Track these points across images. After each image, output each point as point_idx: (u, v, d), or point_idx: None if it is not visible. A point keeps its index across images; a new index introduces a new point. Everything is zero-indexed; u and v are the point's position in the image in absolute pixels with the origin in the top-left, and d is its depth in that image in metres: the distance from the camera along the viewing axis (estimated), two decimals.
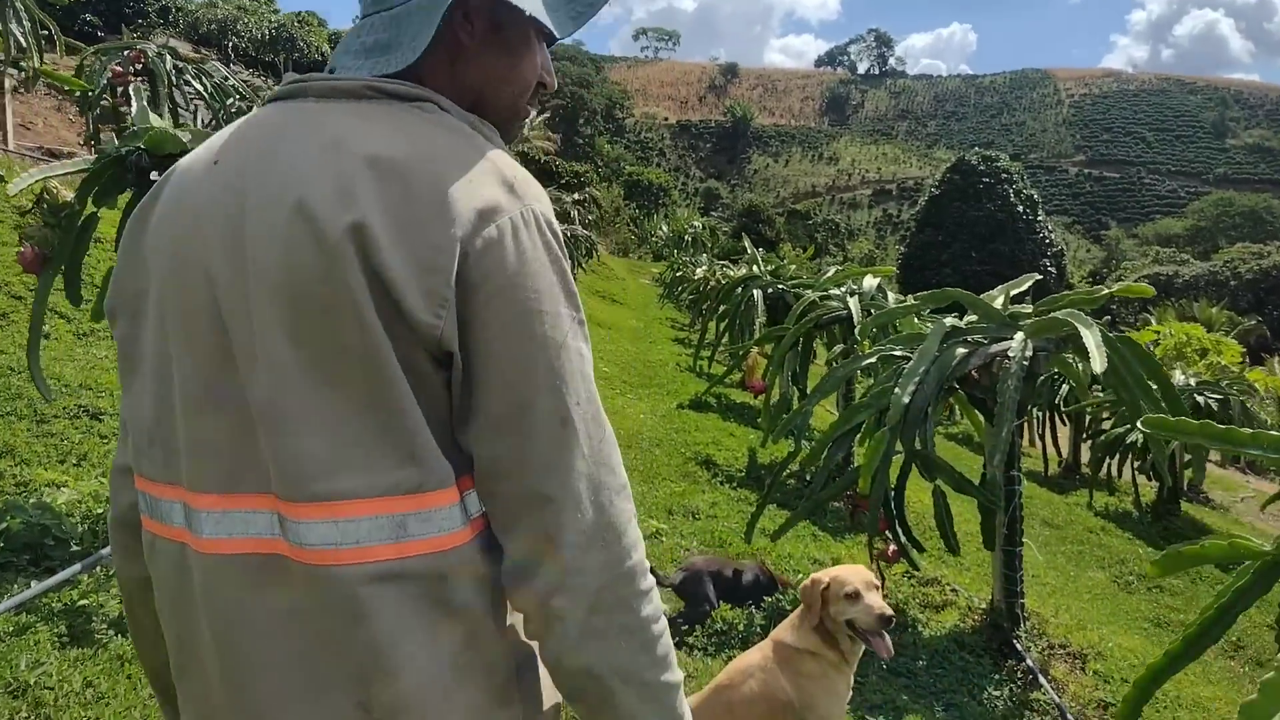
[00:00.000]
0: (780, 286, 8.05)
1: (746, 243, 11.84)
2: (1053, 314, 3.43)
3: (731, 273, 12.30)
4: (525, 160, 37.45)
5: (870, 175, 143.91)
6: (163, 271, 0.95)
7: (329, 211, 0.84)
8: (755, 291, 8.09)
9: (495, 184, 0.90)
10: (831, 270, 7.44)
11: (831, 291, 6.40)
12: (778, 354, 5.95)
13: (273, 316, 0.85)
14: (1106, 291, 3.60)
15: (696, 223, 39.74)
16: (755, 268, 8.98)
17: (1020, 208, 58.47)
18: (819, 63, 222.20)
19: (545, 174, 35.89)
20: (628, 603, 0.91)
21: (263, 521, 0.89)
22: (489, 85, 1.04)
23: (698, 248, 31.64)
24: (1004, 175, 59.72)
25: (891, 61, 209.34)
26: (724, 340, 9.24)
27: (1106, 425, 10.25)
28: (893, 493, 3.78)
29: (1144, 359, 3.39)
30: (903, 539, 3.88)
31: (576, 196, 21.93)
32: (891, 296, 6.27)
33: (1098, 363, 2.87)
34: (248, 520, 0.90)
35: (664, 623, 0.95)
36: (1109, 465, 8.91)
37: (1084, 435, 10.74)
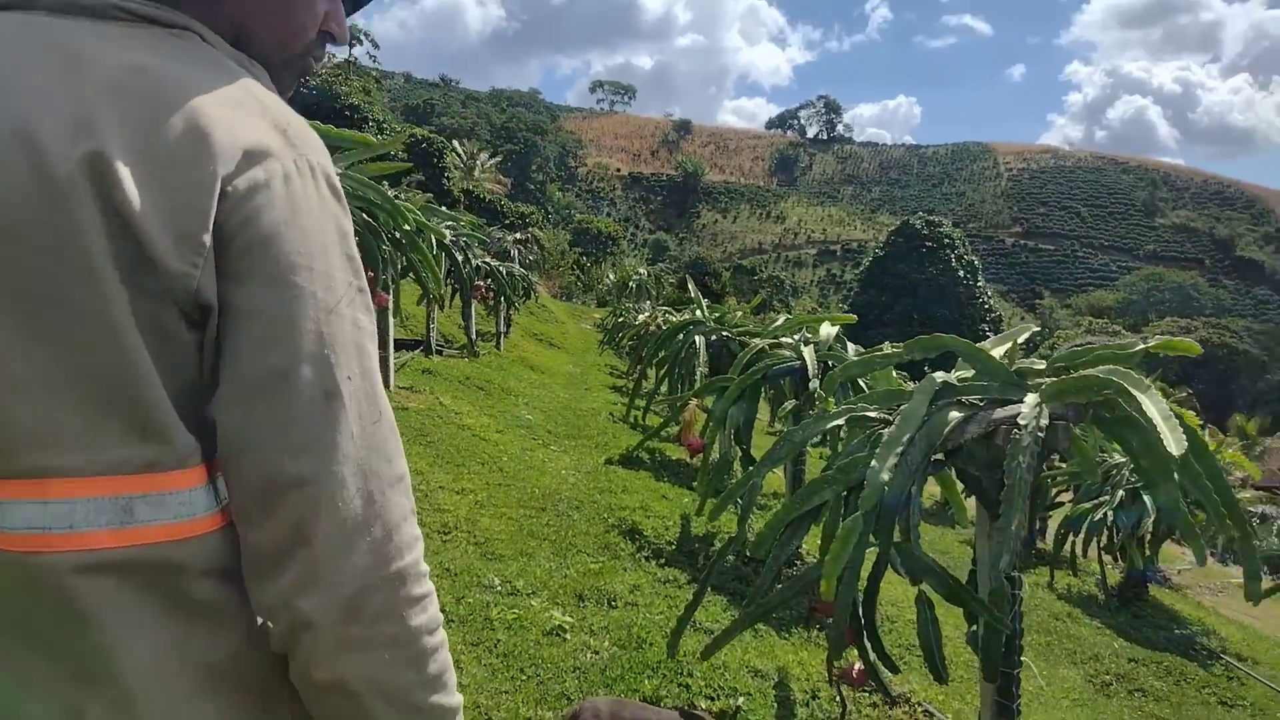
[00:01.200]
0: (725, 334, 7.19)
1: (691, 287, 10.97)
2: (1083, 372, 2.61)
3: (674, 318, 11.43)
4: (471, 198, 36.73)
5: (816, 235, 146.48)
6: None
7: (58, 140, 0.69)
8: (698, 338, 7.21)
9: (266, 126, 0.77)
10: (782, 318, 6.62)
11: (783, 340, 5.56)
12: (719, 408, 5.07)
13: None
14: (1142, 347, 2.80)
15: (642, 270, 39.05)
16: (699, 313, 8.14)
17: (961, 273, 59.57)
18: (770, 125, 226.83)
19: (491, 212, 35.19)
20: (395, 610, 0.76)
21: None
22: (251, 19, 0.86)
23: (642, 294, 30.87)
24: (946, 240, 60.84)
25: (840, 128, 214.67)
26: (663, 389, 8.34)
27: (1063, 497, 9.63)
28: (862, 596, 2.89)
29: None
30: (872, 655, 2.98)
31: (518, 235, 21.06)
32: (851, 348, 5.47)
33: (1174, 444, 2.03)
34: None
35: (441, 637, 0.80)
36: (1072, 544, 8.20)
37: (1041, 507, 10.06)
